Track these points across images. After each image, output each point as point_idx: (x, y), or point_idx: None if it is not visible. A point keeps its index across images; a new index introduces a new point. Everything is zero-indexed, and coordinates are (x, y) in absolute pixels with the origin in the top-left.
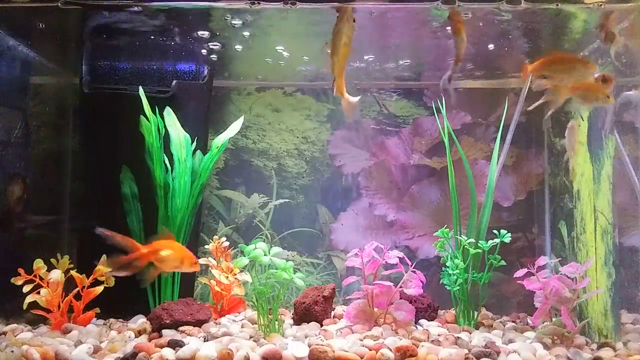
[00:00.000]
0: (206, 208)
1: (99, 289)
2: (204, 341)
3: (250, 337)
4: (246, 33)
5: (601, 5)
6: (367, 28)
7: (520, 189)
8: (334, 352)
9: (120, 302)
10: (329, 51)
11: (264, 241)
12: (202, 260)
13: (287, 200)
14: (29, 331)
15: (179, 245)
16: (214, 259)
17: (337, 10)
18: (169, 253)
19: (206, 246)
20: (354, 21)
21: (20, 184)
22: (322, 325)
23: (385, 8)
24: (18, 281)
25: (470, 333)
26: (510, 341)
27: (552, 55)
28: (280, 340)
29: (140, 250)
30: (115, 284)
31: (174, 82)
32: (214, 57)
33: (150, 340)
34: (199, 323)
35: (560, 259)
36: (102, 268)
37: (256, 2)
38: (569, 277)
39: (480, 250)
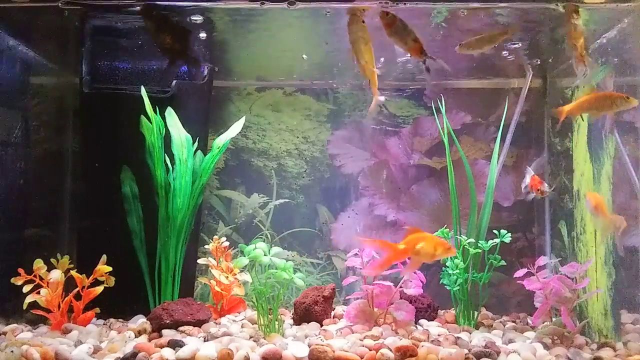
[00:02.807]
0: (206, 208)
1: (99, 289)
2: (204, 341)
3: (250, 337)
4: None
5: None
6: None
7: (520, 189)
8: (334, 352)
9: (120, 302)
10: (355, 59)
11: (264, 241)
12: (202, 260)
13: (287, 200)
14: (29, 331)
15: (430, 235)
16: (214, 259)
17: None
18: (423, 245)
19: (206, 246)
20: (363, 22)
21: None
22: (322, 325)
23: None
24: (18, 281)
25: (470, 333)
26: (510, 341)
27: (589, 96)
28: (280, 340)
29: (396, 249)
30: (116, 284)
31: (174, 82)
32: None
33: (150, 340)
34: (199, 323)
35: (560, 259)
36: (103, 268)
37: (255, 2)
38: (569, 277)
39: (480, 250)
